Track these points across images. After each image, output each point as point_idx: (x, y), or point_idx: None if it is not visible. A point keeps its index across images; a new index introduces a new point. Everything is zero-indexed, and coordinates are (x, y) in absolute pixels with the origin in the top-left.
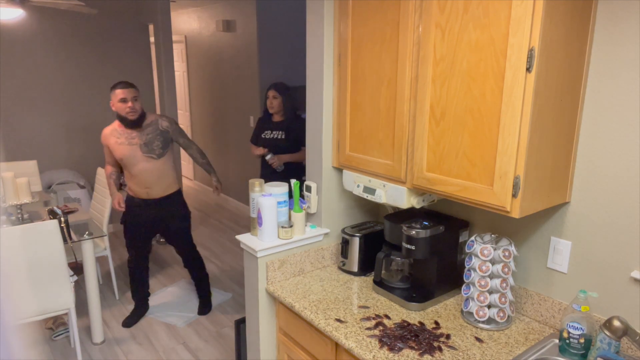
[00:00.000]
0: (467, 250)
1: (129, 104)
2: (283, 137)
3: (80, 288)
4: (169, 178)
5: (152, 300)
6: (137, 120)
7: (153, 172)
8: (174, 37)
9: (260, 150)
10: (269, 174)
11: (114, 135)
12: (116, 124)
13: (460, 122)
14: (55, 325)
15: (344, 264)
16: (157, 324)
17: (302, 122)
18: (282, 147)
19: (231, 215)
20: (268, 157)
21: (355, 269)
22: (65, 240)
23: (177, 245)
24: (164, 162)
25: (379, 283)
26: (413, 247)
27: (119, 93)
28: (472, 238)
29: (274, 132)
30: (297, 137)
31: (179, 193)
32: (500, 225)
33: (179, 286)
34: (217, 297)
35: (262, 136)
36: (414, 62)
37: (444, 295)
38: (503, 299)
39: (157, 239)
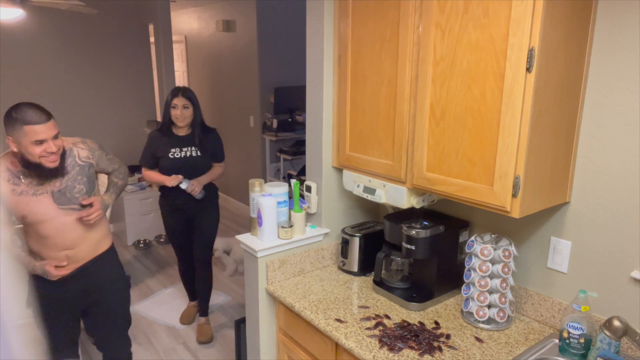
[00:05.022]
0: (467, 250)
1: (50, 147)
2: (199, 154)
3: None
4: (100, 230)
5: (153, 301)
6: (59, 167)
7: (76, 228)
8: (174, 37)
9: (175, 180)
10: (180, 206)
11: (8, 180)
12: (8, 160)
13: (460, 122)
14: None
15: (344, 264)
16: (157, 324)
17: (215, 135)
18: (199, 166)
19: (231, 215)
20: (184, 185)
21: (355, 269)
22: None
23: (107, 330)
24: None
25: (379, 283)
26: (413, 247)
27: (34, 132)
28: (472, 238)
29: (185, 149)
30: (214, 152)
31: (112, 250)
32: (500, 225)
33: (178, 287)
34: (218, 298)
35: (170, 156)
36: (414, 62)
37: (444, 295)
38: (503, 299)
39: (157, 238)
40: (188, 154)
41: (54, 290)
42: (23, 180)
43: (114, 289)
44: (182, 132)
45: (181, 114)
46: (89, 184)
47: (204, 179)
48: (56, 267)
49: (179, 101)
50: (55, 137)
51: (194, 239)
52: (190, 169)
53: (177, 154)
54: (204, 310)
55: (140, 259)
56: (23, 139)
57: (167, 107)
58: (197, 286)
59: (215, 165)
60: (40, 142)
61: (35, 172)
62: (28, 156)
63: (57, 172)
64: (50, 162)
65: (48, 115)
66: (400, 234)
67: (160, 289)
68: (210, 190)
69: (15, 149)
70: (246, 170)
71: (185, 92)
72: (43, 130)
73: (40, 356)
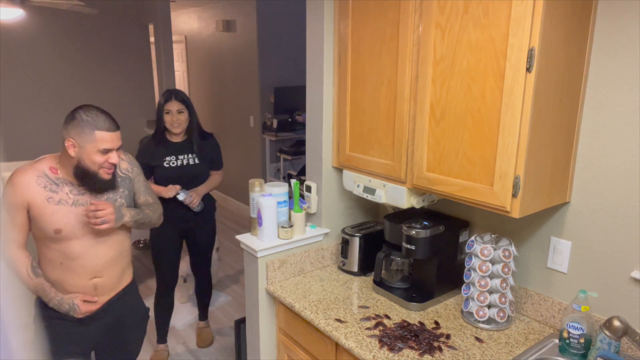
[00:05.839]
0: (467, 250)
1: (114, 157)
2: (197, 161)
3: None
4: (126, 256)
5: (153, 301)
6: (113, 179)
7: (108, 250)
8: (174, 37)
9: (172, 190)
10: (175, 220)
11: (44, 187)
12: (46, 165)
13: (460, 122)
14: None
15: (344, 264)
16: None
17: (213, 140)
18: (198, 175)
19: (231, 215)
20: (182, 196)
21: (355, 269)
22: None
23: None
24: (125, 232)
25: (379, 283)
26: (413, 247)
27: (104, 139)
28: (472, 238)
29: (182, 157)
30: (212, 159)
31: (134, 283)
32: (500, 225)
33: (178, 289)
34: (218, 298)
35: (165, 165)
36: (414, 62)
37: (444, 295)
38: (503, 299)
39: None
40: (185, 162)
41: (73, 329)
42: (62, 188)
43: (135, 326)
44: (177, 138)
45: (176, 120)
46: (129, 199)
47: (203, 189)
48: (85, 302)
49: (172, 106)
50: (119, 149)
51: (191, 252)
52: (187, 178)
53: (173, 163)
54: (204, 314)
55: (140, 259)
56: (89, 144)
57: (159, 113)
58: (197, 292)
59: (213, 173)
60: (107, 151)
61: (89, 181)
62: (87, 163)
63: (111, 184)
64: (107, 174)
65: (118, 125)
66: (400, 234)
67: None
68: (208, 202)
69: (72, 153)
70: (246, 170)
71: (178, 95)
72: (113, 139)
73: (40, 356)
